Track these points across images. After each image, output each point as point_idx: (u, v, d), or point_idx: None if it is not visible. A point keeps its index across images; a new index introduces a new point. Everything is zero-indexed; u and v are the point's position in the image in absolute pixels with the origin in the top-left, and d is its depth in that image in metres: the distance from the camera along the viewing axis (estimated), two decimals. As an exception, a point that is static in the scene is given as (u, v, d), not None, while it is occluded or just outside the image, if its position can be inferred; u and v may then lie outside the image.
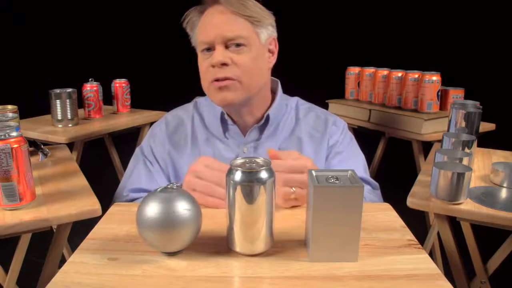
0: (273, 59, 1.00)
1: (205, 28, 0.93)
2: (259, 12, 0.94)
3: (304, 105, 1.08)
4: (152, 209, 0.58)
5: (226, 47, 0.91)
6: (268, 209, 0.59)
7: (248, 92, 0.94)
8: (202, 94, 1.03)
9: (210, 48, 0.93)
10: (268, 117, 0.99)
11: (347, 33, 2.63)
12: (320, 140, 1.02)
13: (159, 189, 0.61)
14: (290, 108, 1.06)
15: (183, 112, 1.06)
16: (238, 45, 0.91)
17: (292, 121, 1.04)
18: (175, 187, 0.61)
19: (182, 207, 0.59)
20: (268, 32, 0.96)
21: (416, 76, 1.67)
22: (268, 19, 0.96)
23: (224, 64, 0.90)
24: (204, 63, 0.94)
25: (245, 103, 0.96)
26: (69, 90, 1.60)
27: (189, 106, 1.08)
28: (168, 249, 0.61)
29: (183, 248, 0.61)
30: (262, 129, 1.00)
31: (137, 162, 1.02)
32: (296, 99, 1.09)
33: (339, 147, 1.02)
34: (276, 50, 1.00)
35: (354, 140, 1.07)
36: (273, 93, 1.05)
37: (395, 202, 0.82)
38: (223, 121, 1.00)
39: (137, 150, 1.05)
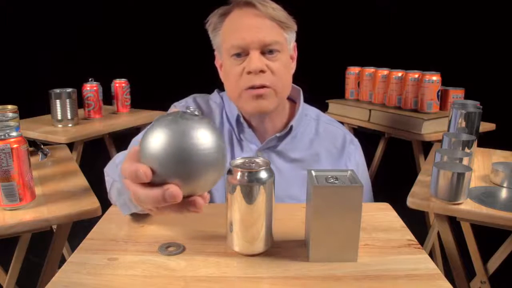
0: (294, 66, 0.97)
1: (238, 31, 0.88)
2: (288, 18, 0.91)
3: (324, 118, 1.04)
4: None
5: (262, 52, 0.87)
6: (268, 209, 0.59)
7: (280, 100, 0.92)
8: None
9: (241, 54, 0.88)
10: (291, 127, 0.95)
11: (347, 33, 2.63)
12: (338, 157, 0.98)
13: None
14: (310, 119, 1.01)
15: (212, 102, 1.01)
16: (271, 51, 0.87)
17: (311, 133, 0.99)
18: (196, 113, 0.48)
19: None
20: (293, 38, 0.94)
21: (416, 76, 1.66)
22: (294, 24, 0.93)
23: (261, 71, 0.86)
24: (236, 69, 0.88)
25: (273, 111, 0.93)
26: (69, 90, 1.60)
27: (215, 96, 1.02)
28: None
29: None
30: (282, 138, 0.96)
31: None
32: (315, 110, 1.05)
33: (357, 171, 0.98)
34: (296, 56, 0.97)
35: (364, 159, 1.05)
36: (292, 100, 1.02)
37: (395, 202, 0.82)
38: (238, 124, 0.96)
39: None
